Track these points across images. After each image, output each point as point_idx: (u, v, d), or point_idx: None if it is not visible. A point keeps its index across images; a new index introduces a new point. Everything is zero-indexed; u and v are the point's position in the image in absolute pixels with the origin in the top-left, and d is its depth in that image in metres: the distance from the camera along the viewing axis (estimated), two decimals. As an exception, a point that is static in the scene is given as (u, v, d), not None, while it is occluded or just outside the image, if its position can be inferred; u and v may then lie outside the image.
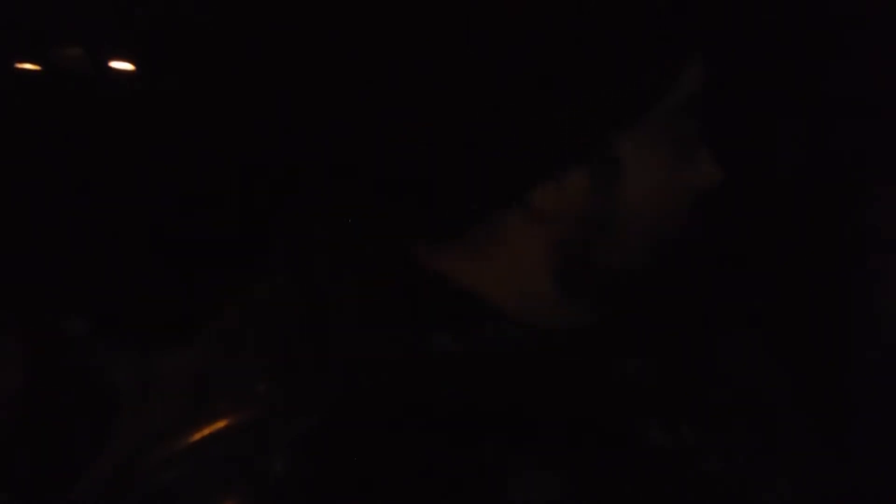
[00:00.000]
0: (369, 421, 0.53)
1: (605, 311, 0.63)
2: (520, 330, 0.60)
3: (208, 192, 2.19)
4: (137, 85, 2.25)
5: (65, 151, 2.18)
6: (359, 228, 0.66)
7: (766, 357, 0.76)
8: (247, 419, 0.52)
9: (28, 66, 2.19)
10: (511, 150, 0.56)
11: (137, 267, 2.15)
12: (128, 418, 0.60)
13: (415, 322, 0.59)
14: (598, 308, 0.63)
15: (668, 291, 0.67)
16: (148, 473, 0.52)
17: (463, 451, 0.53)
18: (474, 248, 0.60)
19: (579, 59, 0.55)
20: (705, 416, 0.64)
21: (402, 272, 0.61)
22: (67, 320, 1.36)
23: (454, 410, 0.55)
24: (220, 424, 0.52)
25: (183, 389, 0.57)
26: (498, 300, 0.60)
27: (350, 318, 0.58)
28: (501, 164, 0.56)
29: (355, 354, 0.56)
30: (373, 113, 0.61)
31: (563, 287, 0.60)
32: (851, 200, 1.44)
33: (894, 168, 1.43)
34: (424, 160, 0.58)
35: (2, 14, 2.00)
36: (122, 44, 2.23)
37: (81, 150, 2.18)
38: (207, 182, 2.19)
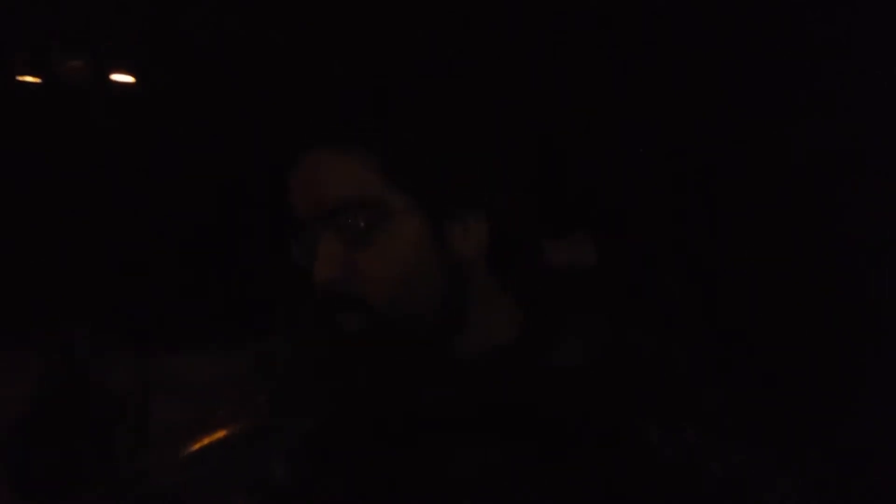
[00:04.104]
0: (363, 427, 0.53)
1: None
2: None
3: (207, 196, 2.20)
4: (137, 92, 2.26)
5: (65, 158, 2.19)
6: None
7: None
8: (247, 427, 0.53)
9: (29, 77, 2.20)
10: None
11: (139, 271, 2.16)
12: (130, 425, 0.61)
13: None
14: None
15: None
16: (151, 480, 0.52)
17: (460, 452, 0.54)
18: None
19: None
20: (705, 417, 0.64)
21: None
22: (68, 323, 1.36)
23: (449, 414, 0.55)
24: (222, 433, 0.53)
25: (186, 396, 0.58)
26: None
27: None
28: None
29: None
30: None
31: None
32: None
33: (894, 168, 1.42)
34: None
35: (2, 21, 2.01)
36: (122, 52, 2.24)
37: (82, 156, 2.19)
38: (206, 187, 2.20)
